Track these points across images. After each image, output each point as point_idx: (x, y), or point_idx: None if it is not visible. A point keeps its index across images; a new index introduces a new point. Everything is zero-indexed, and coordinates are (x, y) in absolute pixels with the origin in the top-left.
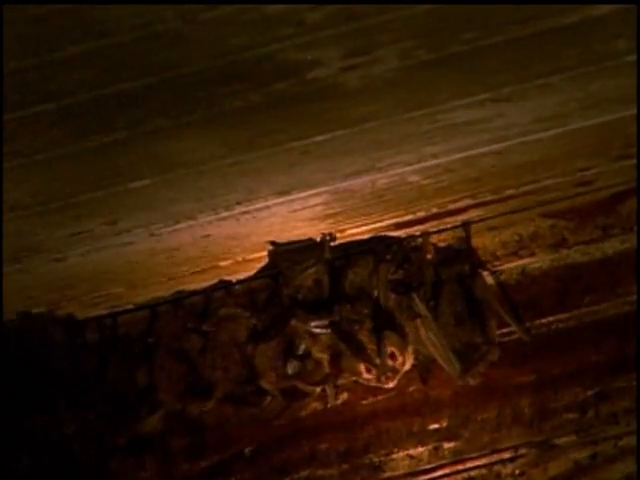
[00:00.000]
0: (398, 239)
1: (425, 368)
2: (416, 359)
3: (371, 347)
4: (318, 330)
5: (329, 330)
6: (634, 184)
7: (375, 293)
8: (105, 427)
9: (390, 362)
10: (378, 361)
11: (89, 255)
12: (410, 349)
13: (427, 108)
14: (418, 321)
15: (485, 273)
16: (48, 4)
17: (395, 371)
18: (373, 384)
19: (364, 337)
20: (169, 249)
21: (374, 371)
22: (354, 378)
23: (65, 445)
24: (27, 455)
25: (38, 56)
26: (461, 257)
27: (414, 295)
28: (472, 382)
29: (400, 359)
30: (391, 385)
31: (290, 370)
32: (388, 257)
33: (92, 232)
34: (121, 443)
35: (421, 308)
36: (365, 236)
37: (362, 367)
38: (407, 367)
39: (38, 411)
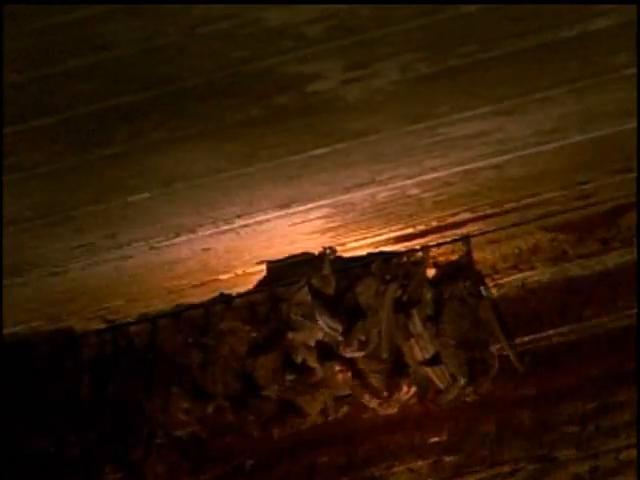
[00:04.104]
0: (398, 253)
1: (423, 388)
2: (414, 379)
3: (378, 380)
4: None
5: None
6: (634, 198)
7: (379, 314)
8: (106, 443)
9: (397, 395)
10: (385, 394)
11: (89, 268)
12: (410, 373)
13: (427, 121)
14: (412, 340)
15: (482, 288)
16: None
17: (399, 401)
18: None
19: (374, 376)
20: (169, 262)
21: (377, 400)
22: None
23: (65, 464)
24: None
25: (38, 69)
26: (462, 273)
27: (414, 312)
28: (468, 399)
29: (405, 389)
30: (392, 411)
31: (289, 382)
32: (388, 277)
33: (92, 245)
34: (122, 458)
35: (418, 326)
36: (365, 250)
37: (366, 396)
38: (410, 393)
39: (38, 434)
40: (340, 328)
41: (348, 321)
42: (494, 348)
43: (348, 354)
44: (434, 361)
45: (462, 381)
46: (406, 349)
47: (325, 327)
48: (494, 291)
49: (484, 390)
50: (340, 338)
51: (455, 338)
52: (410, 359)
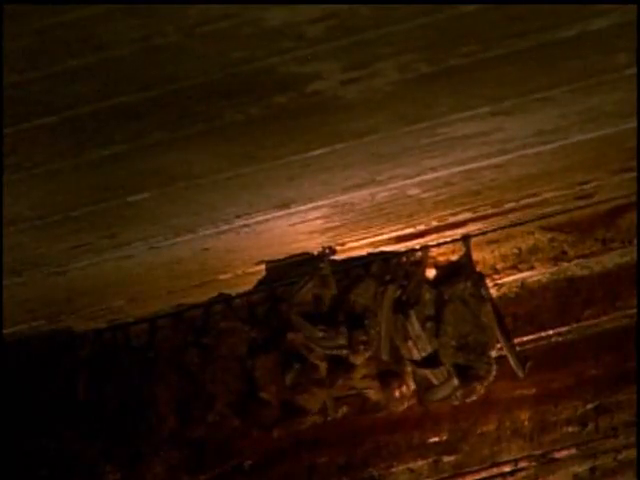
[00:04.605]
0: (397, 253)
1: (422, 388)
2: (413, 380)
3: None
4: (325, 350)
5: (337, 350)
6: (634, 197)
7: (378, 316)
8: (105, 443)
9: (397, 393)
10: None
11: (89, 268)
12: (409, 374)
13: (427, 121)
14: (410, 342)
15: (482, 290)
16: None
17: (404, 397)
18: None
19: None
20: (169, 262)
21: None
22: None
23: (65, 464)
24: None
25: (38, 69)
26: (463, 273)
27: (411, 312)
28: (457, 402)
29: (405, 386)
30: (402, 408)
31: (288, 382)
32: (388, 277)
33: (92, 245)
34: (121, 458)
35: (416, 327)
36: (365, 250)
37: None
38: (410, 392)
39: (38, 434)
40: (343, 341)
41: (348, 324)
42: (494, 352)
43: (357, 361)
44: (433, 362)
45: (455, 382)
46: (405, 350)
47: (329, 351)
48: (494, 291)
49: (477, 395)
50: (345, 351)
51: (455, 339)
52: (409, 360)
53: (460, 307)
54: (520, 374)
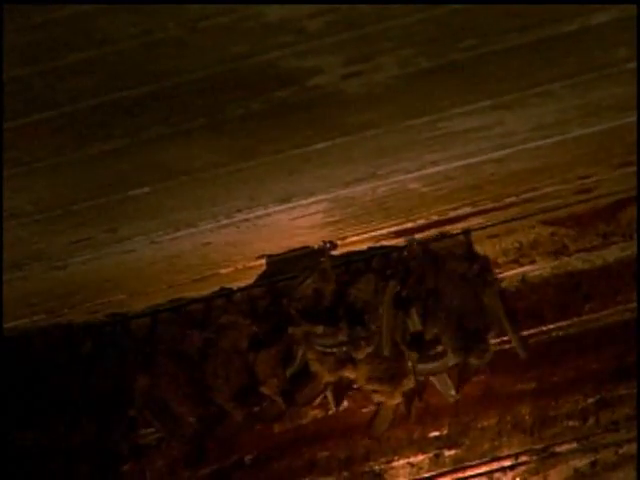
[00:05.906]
0: (398, 248)
1: (421, 385)
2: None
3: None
4: (326, 349)
5: (338, 348)
6: (634, 192)
7: (379, 311)
8: (105, 437)
9: (399, 393)
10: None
11: (90, 263)
12: (410, 370)
13: (427, 116)
14: (409, 338)
15: (488, 275)
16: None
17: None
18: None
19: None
20: (169, 257)
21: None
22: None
23: (64, 458)
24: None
25: (38, 64)
26: (467, 259)
27: (412, 310)
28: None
29: (407, 384)
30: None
31: (289, 376)
32: (388, 272)
33: (93, 240)
34: (122, 452)
35: (416, 324)
36: (365, 244)
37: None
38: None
39: (38, 429)
40: (344, 337)
41: (349, 319)
42: (493, 339)
43: (359, 356)
44: (432, 358)
45: (451, 359)
46: (404, 346)
47: (329, 349)
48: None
49: (472, 384)
50: (345, 348)
51: (454, 316)
52: (409, 356)
53: (461, 284)
54: (523, 355)
